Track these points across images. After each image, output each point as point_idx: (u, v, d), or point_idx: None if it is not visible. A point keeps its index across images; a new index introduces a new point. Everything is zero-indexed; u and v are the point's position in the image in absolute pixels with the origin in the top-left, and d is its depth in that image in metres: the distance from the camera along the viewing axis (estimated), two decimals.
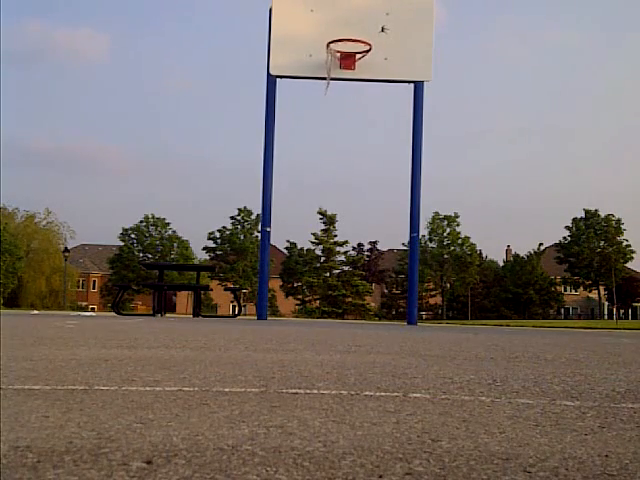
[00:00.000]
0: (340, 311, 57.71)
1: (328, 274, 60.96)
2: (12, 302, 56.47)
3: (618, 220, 66.33)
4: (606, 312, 69.27)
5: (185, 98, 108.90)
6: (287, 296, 63.21)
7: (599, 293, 67.72)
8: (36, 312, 20.76)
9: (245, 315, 35.39)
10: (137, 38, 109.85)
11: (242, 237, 62.26)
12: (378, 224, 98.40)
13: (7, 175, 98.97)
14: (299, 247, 63.48)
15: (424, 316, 60.50)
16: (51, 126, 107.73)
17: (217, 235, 63.09)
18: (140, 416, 1.49)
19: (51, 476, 1.00)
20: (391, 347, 4.48)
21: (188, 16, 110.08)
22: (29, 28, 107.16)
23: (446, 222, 64.03)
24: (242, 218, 63.02)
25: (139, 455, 1.13)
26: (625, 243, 66.26)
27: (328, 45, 14.54)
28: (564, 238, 67.47)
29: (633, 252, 66.43)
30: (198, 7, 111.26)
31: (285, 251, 64.51)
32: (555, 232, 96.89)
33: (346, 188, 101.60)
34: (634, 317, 69.77)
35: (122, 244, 66.40)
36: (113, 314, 15.56)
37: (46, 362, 2.65)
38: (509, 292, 66.98)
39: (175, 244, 66.84)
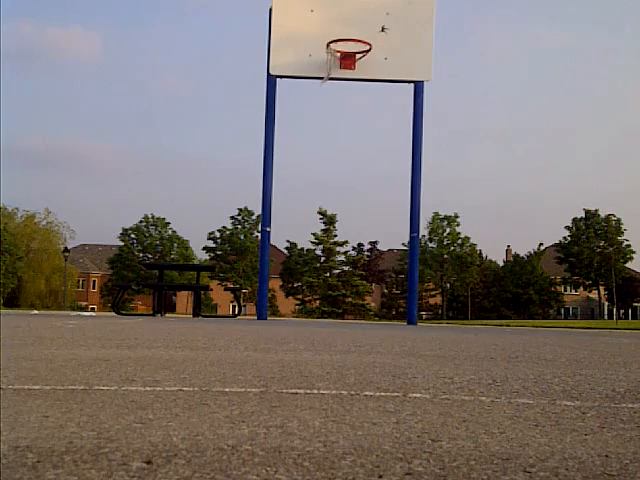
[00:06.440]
0: (340, 311, 57.67)
1: (328, 274, 60.95)
2: (12, 302, 56.46)
3: (618, 220, 66.37)
4: (606, 312, 69.26)
5: (185, 98, 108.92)
6: (287, 296, 63.22)
7: (599, 293, 67.72)
8: (36, 312, 20.74)
9: (245, 315, 35.37)
10: (138, 37, 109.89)
11: (242, 237, 62.29)
12: (378, 224, 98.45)
13: (7, 175, 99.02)
14: (299, 247, 63.50)
15: (424, 316, 60.48)
16: (51, 126, 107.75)
17: (217, 235, 63.12)
18: (140, 416, 1.49)
19: (51, 476, 1.00)
20: (391, 347, 4.48)
21: (188, 15, 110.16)
22: (22, 27, 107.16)
23: (446, 222, 64.01)
24: (242, 218, 63.05)
25: (139, 455, 1.13)
26: (625, 243, 66.29)
27: (328, 45, 14.54)
28: (564, 238, 67.50)
29: (633, 252, 66.48)
30: (198, 6, 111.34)
31: (285, 251, 64.52)
32: (555, 232, 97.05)
33: (346, 188, 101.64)
34: (634, 317, 69.76)
35: (122, 244, 66.41)
36: (113, 314, 15.55)
37: (46, 362, 2.65)
38: (509, 292, 66.99)
39: (175, 244, 66.86)
